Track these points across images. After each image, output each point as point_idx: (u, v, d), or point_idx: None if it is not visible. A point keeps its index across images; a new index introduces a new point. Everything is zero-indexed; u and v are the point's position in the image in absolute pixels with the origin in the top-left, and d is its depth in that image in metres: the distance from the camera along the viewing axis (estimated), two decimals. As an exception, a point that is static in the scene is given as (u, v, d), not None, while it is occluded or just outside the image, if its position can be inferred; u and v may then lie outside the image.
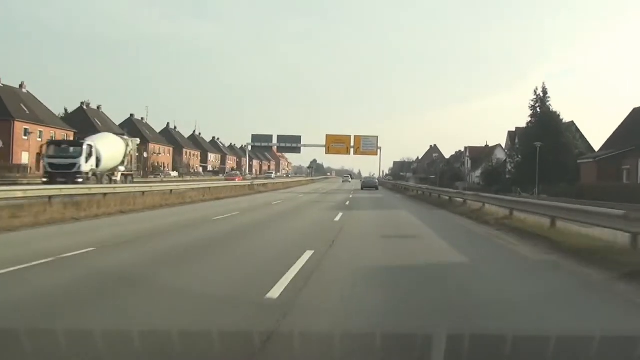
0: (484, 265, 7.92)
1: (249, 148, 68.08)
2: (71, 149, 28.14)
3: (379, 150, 61.65)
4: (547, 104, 48.28)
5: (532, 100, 48.90)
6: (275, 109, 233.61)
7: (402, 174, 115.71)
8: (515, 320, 4.63)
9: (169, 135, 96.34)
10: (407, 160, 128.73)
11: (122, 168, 31.68)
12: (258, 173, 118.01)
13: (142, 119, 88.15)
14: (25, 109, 53.90)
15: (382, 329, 4.09)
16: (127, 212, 16.39)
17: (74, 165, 26.38)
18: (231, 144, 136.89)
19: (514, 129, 59.53)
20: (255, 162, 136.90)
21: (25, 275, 6.17)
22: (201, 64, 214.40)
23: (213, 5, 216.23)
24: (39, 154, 33.03)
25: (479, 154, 74.65)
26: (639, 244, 7.48)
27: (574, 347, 3.71)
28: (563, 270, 7.42)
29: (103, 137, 32.34)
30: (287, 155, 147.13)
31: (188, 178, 64.08)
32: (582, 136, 50.24)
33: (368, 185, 53.31)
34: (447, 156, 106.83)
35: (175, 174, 76.69)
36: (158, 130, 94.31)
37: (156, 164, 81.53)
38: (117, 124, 79.66)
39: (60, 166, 26.11)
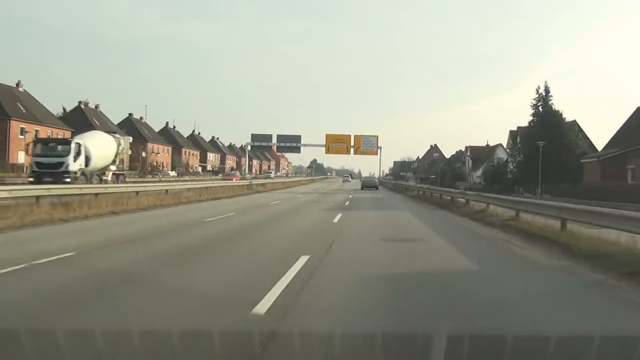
0: (495, 275, 7.18)
1: (249, 147, 67.59)
2: (59, 147, 27.01)
3: (379, 150, 61.29)
4: (550, 102, 47.75)
5: (534, 99, 48.42)
6: (275, 108, 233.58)
7: (402, 173, 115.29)
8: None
9: (168, 135, 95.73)
10: (407, 160, 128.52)
11: (113, 167, 30.54)
12: (258, 173, 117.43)
13: (141, 118, 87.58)
14: (22, 108, 53.34)
15: (383, 329, 4.04)
16: (119, 212, 15.87)
17: (61, 164, 25.44)
18: (231, 143, 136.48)
19: (515, 128, 58.94)
20: (255, 162, 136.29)
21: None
22: (201, 64, 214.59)
23: (213, 5, 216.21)
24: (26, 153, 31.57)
25: (480, 154, 73.98)
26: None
27: (574, 347, 3.68)
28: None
29: (93, 135, 31.16)
30: (287, 155, 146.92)
31: (187, 178, 63.53)
32: (584, 135, 49.63)
33: (368, 185, 53.18)
34: (447, 156, 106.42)
35: (173, 173, 76.07)
36: (157, 129, 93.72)
37: (155, 164, 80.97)
38: (116, 123, 79.17)
39: (47, 165, 25.18)
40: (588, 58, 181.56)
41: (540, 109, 47.72)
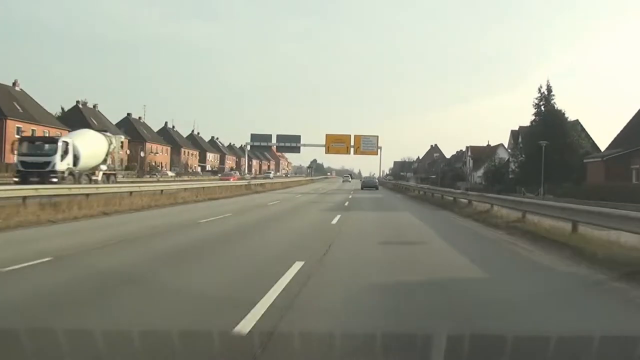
0: (507, 283, 6.51)
1: (248, 147, 67.08)
2: (46, 146, 25.90)
3: (379, 150, 60.81)
4: (552, 102, 47.18)
5: (537, 99, 47.77)
6: (275, 108, 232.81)
7: (402, 173, 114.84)
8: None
9: (167, 135, 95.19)
10: (407, 160, 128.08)
11: (103, 167, 29.44)
12: (257, 173, 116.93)
13: (140, 118, 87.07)
14: (19, 108, 52.84)
15: (382, 329, 3.99)
16: (111, 213, 15.39)
17: (48, 163, 24.46)
18: (230, 143, 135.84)
19: (517, 128, 58.38)
20: (254, 162, 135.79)
21: None
22: (201, 64, 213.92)
23: (213, 5, 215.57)
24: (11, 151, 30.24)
25: (481, 154, 73.43)
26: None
27: (574, 347, 3.67)
28: (603, 287, 6.29)
29: (82, 133, 30.02)
30: (287, 155, 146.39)
31: (185, 178, 63.01)
32: (587, 135, 49.06)
33: (368, 185, 53.18)
34: (448, 156, 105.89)
35: (172, 173, 75.54)
36: (156, 129, 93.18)
37: (154, 164, 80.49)
38: (114, 123, 78.63)
39: (33, 165, 24.27)
40: (588, 58, 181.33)
41: (542, 108, 47.11)
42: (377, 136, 60.69)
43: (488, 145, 78.20)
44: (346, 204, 24.82)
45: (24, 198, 14.24)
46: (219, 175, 73.96)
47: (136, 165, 68.51)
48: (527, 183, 41.84)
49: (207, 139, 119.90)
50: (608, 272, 6.66)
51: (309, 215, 17.73)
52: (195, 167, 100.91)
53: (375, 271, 6.94)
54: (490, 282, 6.51)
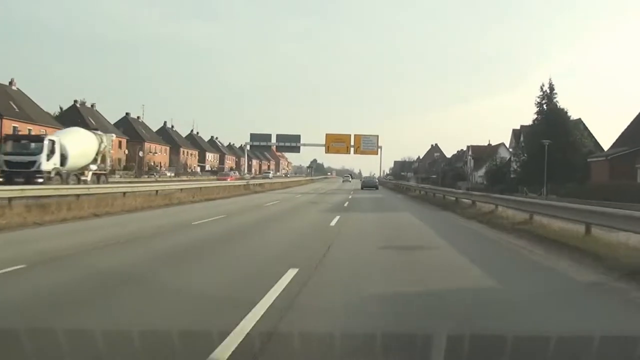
0: (521, 295, 5.72)
1: (248, 147, 66.49)
2: (32, 145, 24.80)
3: (379, 150, 60.22)
4: (554, 100, 46.59)
5: (539, 97, 47.20)
6: (275, 108, 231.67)
7: (402, 173, 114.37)
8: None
9: (165, 135, 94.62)
10: (408, 160, 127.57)
11: (93, 167, 28.24)
12: (257, 173, 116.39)
13: (138, 117, 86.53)
14: (15, 107, 52.24)
15: (382, 329, 3.95)
16: (102, 215, 14.88)
17: (33, 163, 23.44)
18: (230, 143, 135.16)
19: (518, 127, 57.76)
20: (254, 162, 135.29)
21: None
22: (201, 64, 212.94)
23: (213, 5, 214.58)
24: None
25: (482, 153, 72.81)
26: None
27: (574, 347, 3.65)
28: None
29: (71, 132, 28.84)
30: (287, 154, 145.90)
31: (184, 178, 62.47)
32: (590, 134, 48.46)
33: (368, 184, 53.02)
34: (448, 155, 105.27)
35: (170, 173, 74.98)
36: (155, 129, 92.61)
37: (152, 164, 79.95)
38: (113, 122, 78.15)
39: (18, 164, 23.23)
40: (588, 58, 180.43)
41: (544, 106, 46.56)
42: (377, 136, 60.12)
43: (489, 144, 77.62)
44: (346, 204, 24.26)
45: (10, 199, 13.68)
46: (218, 175, 73.46)
47: (134, 165, 68.06)
48: (529, 183, 41.29)
49: (206, 138, 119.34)
50: (633, 279, 6.07)
51: (306, 216, 17.17)
52: (194, 167, 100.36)
53: (375, 282, 6.28)
54: (517, 302, 5.43)
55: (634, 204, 18.33)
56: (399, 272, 6.95)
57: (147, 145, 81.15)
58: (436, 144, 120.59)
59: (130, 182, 30.55)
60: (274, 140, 61.04)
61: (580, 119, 47.69)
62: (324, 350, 3.62)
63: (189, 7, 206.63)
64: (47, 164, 23.86)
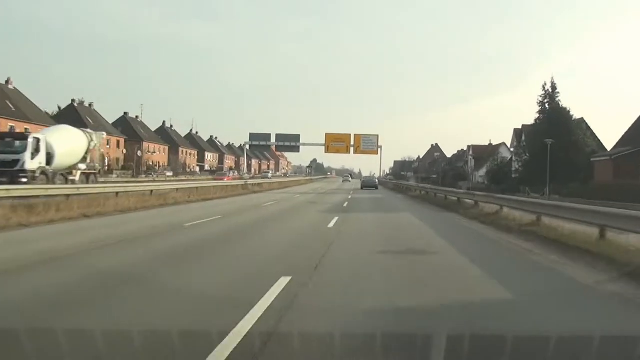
0: (539, 309, 4.99)
1: (247, 147, 66.00)
2: (16, 143, 23.51)
3: (379, 150, 59.70)
4: (557, 99, 46.08)
5: (541, 96, 46.76)
6: (275, 108, 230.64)
7: (403, 173, 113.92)
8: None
9: (164, 134, 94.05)
10: (408, 160, 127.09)
11: (82, 166, 27.03)
12: (257, 172, 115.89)
13: (137, 117, 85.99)
14: (11, 106, 51.74)
15: (382, 329, 3.94)
16: (92, 216, 14.36)
17: (16, 162, 22.35)
18: (229, 143, 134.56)
19: (520, 127, 57.21)
20: (254, 162, 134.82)
21: None
22: (201, 64, 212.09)
23: (213, 5, 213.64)
24: None
25: (483, 153, 72.36)
26: None
27: (574, 347, 3.63)
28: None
29: (58, 129, 27.83)
30: (287, 154, 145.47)
31: (182, 177, 61.94)
32: (592, 133, 47.96)
33: (368, 184, 52.81)
34: (449, 155, 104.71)
35: (169, 173, 74.43)
36: (154, 129, 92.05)
37: (151, 163, 79.43)
38: (111, 122, 77.69)
39: (1, 163, 22.20)
40: (588, 58, 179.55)
41: (546, 106, 46.04)
42: (377, 135, 59.59)
43: (490, 144, 77.12)
44: (345, 204, 23.70)
45: (-5, 200, 13.13)
46: (215, 174, 72.86)
47: (132, 165, 67.54)
48: (531, 182, 40.79)
49: (206, 138, 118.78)
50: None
51: (304, 217, 16.63)
52: (193, 166, 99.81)
53: (376, 294, 5.62)
54: (536, 319, 4.64)
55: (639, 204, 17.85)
56: (410, 285, 6.05)
57: (145, 144, 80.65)
58: (436, 144, 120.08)
59: (127, 182, 29.93)
60: (273, 140, 60.52)
61: (582, 118, 47.28)
62: (324, 350, 3.58)
63: (189, 7, 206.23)
64: (32, 163, 22.85)
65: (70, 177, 25.42)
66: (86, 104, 71.83)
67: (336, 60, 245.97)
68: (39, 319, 4.35)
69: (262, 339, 3.69)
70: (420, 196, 32.07)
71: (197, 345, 3.60)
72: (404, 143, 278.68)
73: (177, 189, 25.63)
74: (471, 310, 4.82)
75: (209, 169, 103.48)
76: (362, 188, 50.14)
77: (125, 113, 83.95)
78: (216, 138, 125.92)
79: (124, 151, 74.33)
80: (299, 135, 60.85)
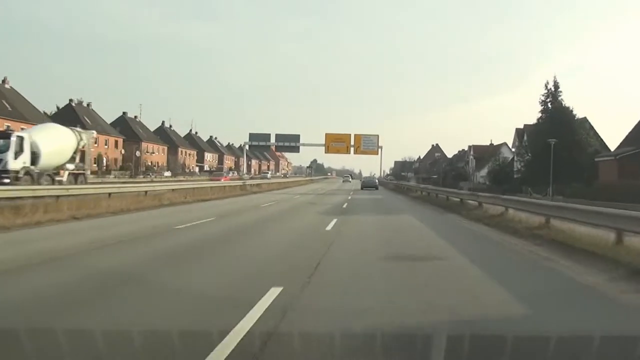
0: (560, 328, 4.18)
1: (247, 147, 65.43)
2: None
3: (379, 150, 59.11)
4: (559, 98, 45.52)
5: (543, 95, 46.16)
6: (275, 108, 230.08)
7: (403, 173, 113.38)
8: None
9: (163, 134, 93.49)
10: (408, 160, 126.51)
11: (70, 166, 25.90)
12: (257, 173, 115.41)
13: (136, 117, 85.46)
14: (7, 106, 51.26)
15: (382, 329, 3.91)
16: (82, 218, 13.85)
17: None
18: (229, 143, 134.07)
19: (522, 126, 56.66)
20: (254, 162, 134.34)
21: None
22: (201, 64, 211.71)
23: (213, 5, 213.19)
24: None
25: (484, 153, 71.76)
26: None
27: (574, 347, 3.60)
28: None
29: (45, 128, 26.90)
30: (287, 155, 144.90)
31: (181, 178, 61.40)
32: (595, 133, 47.40)
33: (368, 185, 52.71)
34: (449, 155, 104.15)
35: (168, 173, 73.89)
36: (153, 129, 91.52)
37: (149, 163, 78.89)
38: (109, 122, 77.21)
39: None
40: (588, 58, 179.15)
41: (549, 105, 45.48)
42: (378, 135, 58.93)
43: (491, 144, 76.57)
44: (344, 205, 23.17)
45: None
46: (212, 174, 72.29)
47: (131, 165, 67.01)
48: (533, 182, 40.26)
49: (205, 138, 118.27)
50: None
51: (302, 219, 16.09)
52: (192, 167, 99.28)
53: (378, 317, 4.75)
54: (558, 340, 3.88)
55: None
56: (413, 297, 5.38)
57: (144, 145, 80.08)
58: (437, 144, 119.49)
59: (121, 183, 29.34)
60: (273, 140, 59.90)
61: (585, 117, 46.74)
62: (324, 350, 3.57)
63: (189, 7, 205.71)
64: (15, 163, 21.86)
65: (57, 178, 24.45)
66: (84, 104, 71.34)
67: (336, 60, 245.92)
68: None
69: (262, 338, 3.69)
70: (421, 197, 31.54)
71: (197, 345, 3.60)
72: (404, 143, 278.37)
73: (173, 190, 25.10)
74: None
75: (208, 169, 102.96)
76: (362, 188, 49.79)
77: (123, 113, 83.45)
78: (216, 138, 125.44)
79: (122, 151, 73.82)
80: (299, 135, 60.26)
